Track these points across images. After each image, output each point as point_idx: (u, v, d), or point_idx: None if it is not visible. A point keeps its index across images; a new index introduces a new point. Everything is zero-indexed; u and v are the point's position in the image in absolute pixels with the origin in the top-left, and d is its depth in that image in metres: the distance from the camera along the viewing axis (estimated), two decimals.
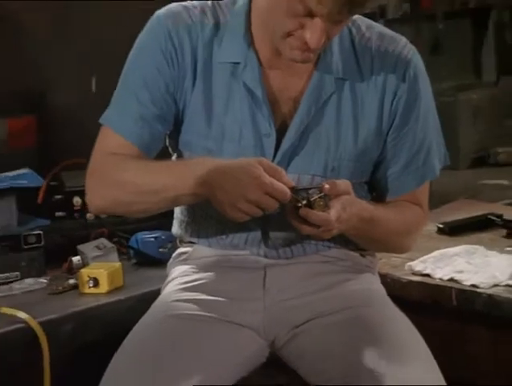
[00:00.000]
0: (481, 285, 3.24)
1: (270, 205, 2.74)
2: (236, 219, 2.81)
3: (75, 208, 3.80)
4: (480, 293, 3.24)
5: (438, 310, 3.36)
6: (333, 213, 2.77)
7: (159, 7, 3.19)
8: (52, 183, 3.76)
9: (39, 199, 3.74)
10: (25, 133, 4.14)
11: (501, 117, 4.76)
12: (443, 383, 2.77)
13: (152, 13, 3.40)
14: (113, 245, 3.56)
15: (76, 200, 3.77)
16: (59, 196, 3.78)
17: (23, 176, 3.64)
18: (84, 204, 3.74)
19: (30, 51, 4.32)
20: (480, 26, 4.87)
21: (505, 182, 4.24)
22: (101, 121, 3.03)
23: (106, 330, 3.24)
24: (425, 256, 3.46)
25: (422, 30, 4.30)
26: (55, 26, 4.41)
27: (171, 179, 2.96)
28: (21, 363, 3.12)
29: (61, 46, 4.40)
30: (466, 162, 4.14)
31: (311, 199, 2.78)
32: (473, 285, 3.24)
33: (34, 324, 3.06)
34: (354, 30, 3.02)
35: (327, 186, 2.77)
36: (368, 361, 2.77)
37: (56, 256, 3.53)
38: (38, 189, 3.73)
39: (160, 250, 3.56)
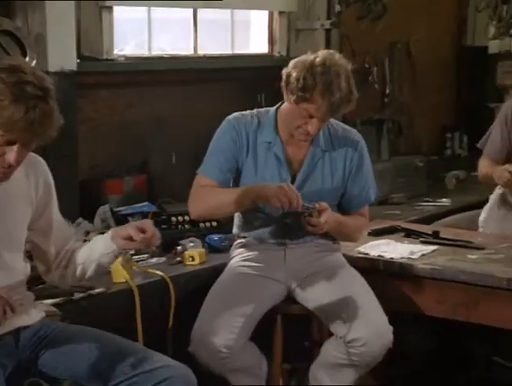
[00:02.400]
0: (395, 258, 3.42)
1: (286, 203, 3.01)
2: (272, 204, 3.07)
3: (172, 223, 3.70)
4: (395, 262, 3.41)
5: (373, 272, 3.38)
6: (323, 219, 3.10)
7: (228, 109, 3.47)
8: (158, 210, 3.78)
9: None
10: (142, 185, 4.12)
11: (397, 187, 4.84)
12: (375, 298, 3.12)
13: (212, 111, 4.09)
14: (199, 240, 3.59)
15: (173, 219, 3.71)
16: (164, 216, 3.72)
17: (145, 206, 3.82)
18: (177, 221, 3.74)
19: (140, 138, 4.26)
20: (379, 129, 5.07)
21: (398, 212, 4.46)
22: (198, 171, 3.28)
23: (200, 282, 3.31)
24: (364, 245, 3.56)
25: None
26: (154, 124, 4.30)
27: (236, 195, 3.20)
28: (158, 301, 3.19)
29: (158, 136, 4.30)
30: (376, 201, 4.18)
31: (311, 212, 3.08)
32: (391, 258, 3.42)
33: (166, 278, 3.22)
34: (330, 125, 3.29)
35: (317, 205, 3.08)
36: (339, 294, 3.11)
37: (164, 247, 3.48)
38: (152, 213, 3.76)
39: (222, 244, 3.61)
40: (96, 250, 2.64)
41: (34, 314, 2.59)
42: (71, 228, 2.85)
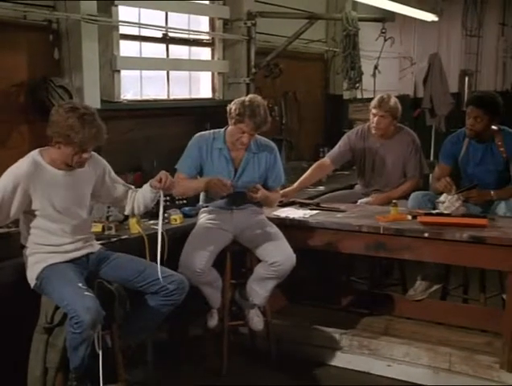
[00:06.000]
0: (295, 217, 3.61)
1: (222, 190, 3.27)
2: (216, 194, 3.34)
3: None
4: (295, 219, 3.58)
5: (283, 226, 3.43)
6: (259, 193, 3.32)
7: (188, 132, 3.60)
8: None
9: None
10: (138, 178, 3.93)
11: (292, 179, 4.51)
12: (285, 238, 3.33)
13: (179, 133, 4.13)
14: (178, 210, 3.57)
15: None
16: None
17: None
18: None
19: (136, 150, 4.20)
20: (279, 145, 4.47)
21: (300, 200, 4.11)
22: (176, 167, 3.41)
23: (181, 233, 3.39)
24: (276, 211, 3.71)
25: None
26: (144, 141, 4.25)
27: (196, 184, 3.42)
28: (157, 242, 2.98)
29: (146, 149, 4.26)
30: (281, 187, 3.81)
31: (250, 189, 3.29)
32: (293, 218, 3.60)
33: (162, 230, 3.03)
34: (257, 139, 3.44)
35: (256, 186, 3.33)
36: (264, 237, 3.36)
37: (157, 214, 3.04)
38: None
39: (191, 212, 3.64)
40: (144, 191, 2.93)
41: (95, 246, 2.88)
42: (124, 184, 3.00)
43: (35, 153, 2.69)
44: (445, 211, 3.45)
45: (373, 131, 4.23)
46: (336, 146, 4.40)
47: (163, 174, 2.83)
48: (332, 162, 4.36)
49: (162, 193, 2.87)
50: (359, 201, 4.22)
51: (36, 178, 2.62)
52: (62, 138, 2.56)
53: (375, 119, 4.18)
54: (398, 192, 4.17)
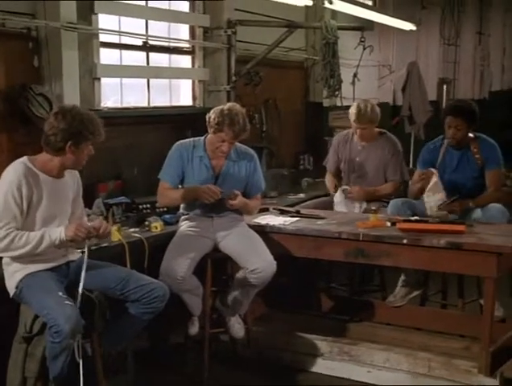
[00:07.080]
0: (276, 225, 3.60)
1: (211, 197, 3.29)
2: (203, 201, 3.34)
3: (140, 209, 3.72)
4: (275, 226, 3.56)
5: (263, 233, 3.49)
6: (237, 200, 3.39)
7: (168, 140, 3.64)
8: (131, 201, 3.76)
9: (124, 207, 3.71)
10: (118, 186, 4.08)
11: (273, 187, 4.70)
12: (265, 246, 3.37)
13: (160, 140, 4.16)
14: (159, 217, 3.64)
15: (141, 206, 3.74)
16: (135, 205, 3.74)
17: (122, 199, 3.80)
18: (143, 207, 3.75)
19: (116, 158, 4.22)
20: (260, 153, 4.59)
21: (275, 201, 4.36)
22: (159, 177, 3.46)
23: (162, 241, 3.44)
24: (257, 218, 3.71)
25: None
26: (124, 150, 4.25)
27: (181, 194, 3.44)
28: (138, 251, 3.27)
29: (126, 157, 4.26)
30: (261, 196, 3.85)
31: (230, 197, 3.32)
32: (273, 225, 3.60)
33: (143, 238, 3.36)
34: (237, 146, 3.48)
35: (234, 192, 3.38)
36: (244, 244, 3.40)
37: (137, 222, 3.62)
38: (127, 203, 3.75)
39: (172, 220, 3.70)
40: None
41: (76, 254, 2.88)
42: (82, 212, 3.00)
43: (24, 160, 2.68)
44: (429, 212, 3.48)
45: (359, 140, 4.34)
46: (328, 155, 4.55)
47: (100, 222, 2.77)
48: (333, 174, 4.50)
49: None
50: (341, 188, 4.24)
51: (32, 183, 2.62)
52: (75, 138, 2.59)
53: (357, 131, 4.28)
54: (379, 191, 4.23)
